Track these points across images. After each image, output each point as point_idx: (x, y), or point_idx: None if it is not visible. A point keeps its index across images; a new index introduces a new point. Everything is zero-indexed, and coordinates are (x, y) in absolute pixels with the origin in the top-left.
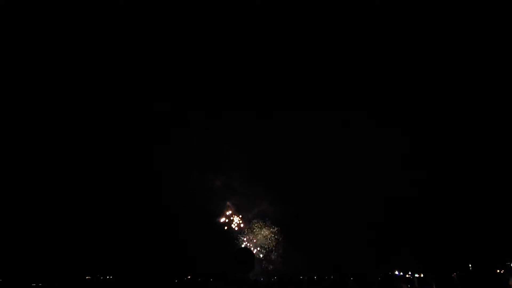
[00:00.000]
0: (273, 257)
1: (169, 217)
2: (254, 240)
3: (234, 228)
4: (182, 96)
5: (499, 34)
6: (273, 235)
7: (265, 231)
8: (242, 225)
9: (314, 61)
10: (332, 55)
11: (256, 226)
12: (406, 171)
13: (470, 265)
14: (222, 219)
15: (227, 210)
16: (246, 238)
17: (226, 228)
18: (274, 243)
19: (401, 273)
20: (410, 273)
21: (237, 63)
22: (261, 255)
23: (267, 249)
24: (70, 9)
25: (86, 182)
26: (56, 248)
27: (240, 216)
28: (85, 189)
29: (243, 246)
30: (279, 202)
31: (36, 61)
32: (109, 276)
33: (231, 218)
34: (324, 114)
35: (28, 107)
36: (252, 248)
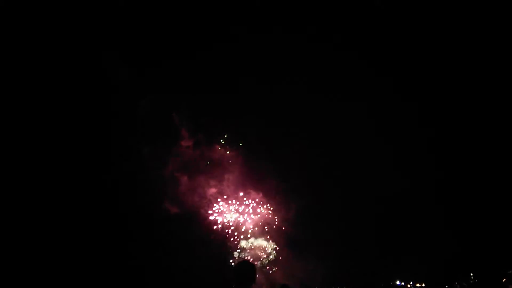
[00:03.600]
0: (273, 269)
1: (161, 226)
2: (252, 251)
3: (231, 239)
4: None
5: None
6: (271, 247)
7: (263, 242)
8: (239, 235)
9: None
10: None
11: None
12: (407, 175)
13: (471, 274)
14: (218, 228)
15: (223, 218)
16: (244, 249)
17: (222, 236)
18: (272, 254)
19: (403, 283)
20: (411, 283)
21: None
22: (261, 264)
23: (267, 259)
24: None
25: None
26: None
27: (238, 222)
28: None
29: (242, 258)
30: (278, 209)
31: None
32: None
33: (228, 226)
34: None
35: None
36: (251, 259)
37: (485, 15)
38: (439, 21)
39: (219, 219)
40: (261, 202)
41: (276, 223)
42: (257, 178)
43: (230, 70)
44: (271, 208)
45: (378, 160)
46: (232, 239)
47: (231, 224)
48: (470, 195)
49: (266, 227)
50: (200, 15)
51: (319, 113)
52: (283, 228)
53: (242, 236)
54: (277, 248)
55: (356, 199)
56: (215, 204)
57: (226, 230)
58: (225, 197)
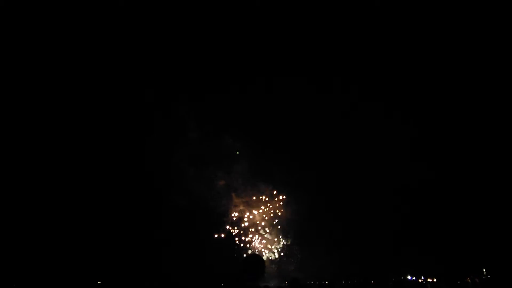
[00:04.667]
0: (284, 259)
1: (171, 219)
2: (263, 243)
3: (240, 232)
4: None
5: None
6: (281, 240)
7: (274, 235)
8: (248, 227)
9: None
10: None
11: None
12: (417, 167)
13: (484, 270)
14: (228, 220)
15: (233, 211)
16: (254, 241)
17: (231, 230)
18: (283, 248)
19: (414, 278)
20: (422, 278)
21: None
22: (271, 257)
23: (278, 252)
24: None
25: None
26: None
27: (248, 215)
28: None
29: (251, 251)
30: (288, 202)
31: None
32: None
33: (238, 218)
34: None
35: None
36: (262, 251)
37: (473, 16)
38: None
39: (229, 212)
40: (271, 195)
41: (287, 216)
42: (266, 171)
43: (237, 61)
44: (282, 201)
45: (392, 151)
46: (242, 232)
47: (240, 217)
48: (481, 190)
49: (276, 220)
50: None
51: (330, 102)
52: (294, 221)
53: (252, 229)
54: (288, 241)
55: (368, 192)
56: (224, 197)
57: (236, 223)
58: (234, 190)
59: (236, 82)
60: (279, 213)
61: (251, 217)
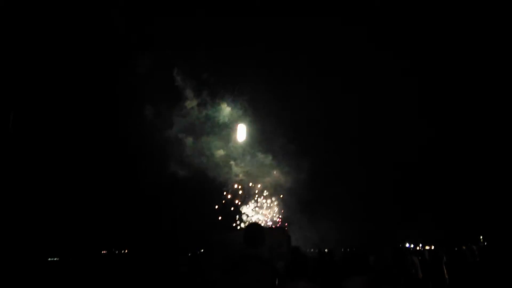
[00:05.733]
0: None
1: (172, 189)
2: (264, 213)
3: (241, 201)
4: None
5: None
6: (283, 209)
7: (275, 204)
8: (248, 198)
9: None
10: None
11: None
12: (417, 137)
13: (481, 237)
14: (227, 190)
15: (233, 183)
16: (255, 210)
17: (231, 198)
18: (287, 217)
19: (412, 246)
20: (421, 245)
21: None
22: (273, 227)
23: (279, 222)
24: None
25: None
26: (70, 223)
27: (250, 184)
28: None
29: (253, 221)
30: (289, 171)
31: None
32: (124, 251)
33: (237, 188)
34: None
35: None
36: (263, 221)
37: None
38: None
39: (229, 182)
40: (272, 163)
41: (287, 184)
42: (266, 138)
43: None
44: (283, 169)
45: (395, 120)
46: (242, 202)
47: (241, 186)
48: (480, 159)
49: (277, 189)
50: None
51: (333, 66)
52: (295, 190)
53: (253, 199)
54: (289, 211)
55: (371, 161)
56: (224, 167)
57: (237, 192)
58: (234, 159)
59: (233, 45)
60: (281, 182)
61: (252, 185)
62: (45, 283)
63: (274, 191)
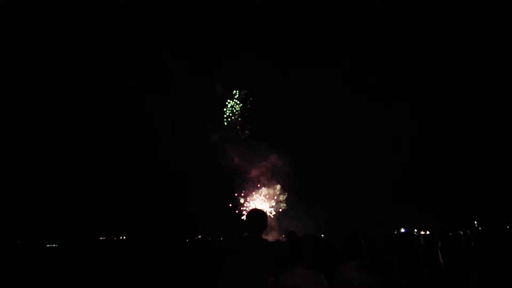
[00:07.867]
0: (282, 213)
1: (172, 176)
2: (261, 198)
3: (237, 185)
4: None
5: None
6: (280, 195)
7: (271, 191)
8: (248, 183)
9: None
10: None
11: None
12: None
13: (475, 222)
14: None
15: (228, 164)
16: (252, 195)
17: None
18: (282, 202)
19: (405, 230)
20: (415, 230)
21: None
22: (270, 212)
23: (277, 207)
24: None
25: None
26: (70, 210)
27: (245, 169)
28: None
29: (252, 206)
30: (288, 155)
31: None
32: (122, 237)
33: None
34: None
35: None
36: (260, 206)
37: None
38: None
39: (226, 166)
40: (268, 149)
41: (284, 170)
42: (263, 123)
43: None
44: (279, 155)
45: (387, 110)
46: (238, 186)
47: (237, 171)
48: (473, 146)
49: (274, 175)
50: None
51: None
52: (291, 175)
53: (250, 183)
54: (286, 196)
55: (366, 144)
56: (217, 149)
57: (233, 178)
58: (228, 142)
59: (230, 33)
60: (278, 168)
61: (249, 171)
62: (44, 269)
63: (270, 177)
